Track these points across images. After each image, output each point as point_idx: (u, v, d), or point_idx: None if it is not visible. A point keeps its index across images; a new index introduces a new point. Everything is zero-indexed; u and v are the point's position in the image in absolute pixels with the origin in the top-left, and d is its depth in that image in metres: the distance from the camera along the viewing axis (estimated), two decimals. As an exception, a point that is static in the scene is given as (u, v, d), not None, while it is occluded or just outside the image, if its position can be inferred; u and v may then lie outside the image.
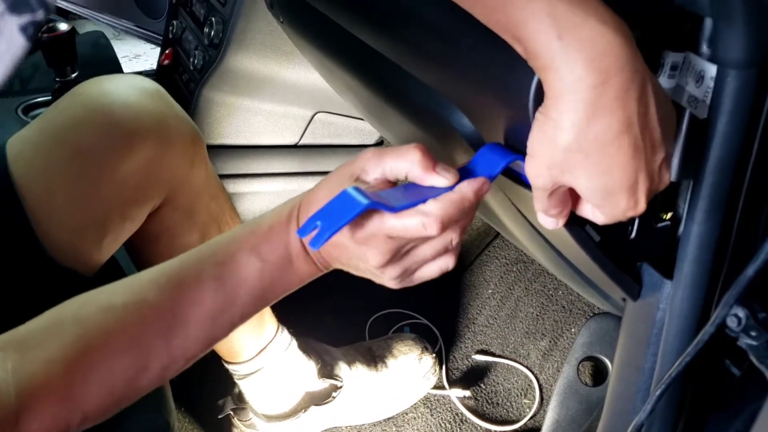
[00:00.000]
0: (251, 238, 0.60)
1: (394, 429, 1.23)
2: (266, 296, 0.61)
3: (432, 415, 1.24)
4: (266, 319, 1.09)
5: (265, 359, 1.09)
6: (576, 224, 0.55)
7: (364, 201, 0.51)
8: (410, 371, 1.21)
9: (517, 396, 1.26)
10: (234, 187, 1.39)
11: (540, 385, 1.27)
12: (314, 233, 0.52)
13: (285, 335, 1.12)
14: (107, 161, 0.85)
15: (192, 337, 0.59)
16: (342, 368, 1.17)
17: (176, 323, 0.59)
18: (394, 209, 0.52)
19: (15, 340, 0.58)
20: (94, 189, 0.85)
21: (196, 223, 0.99)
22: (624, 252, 0.59)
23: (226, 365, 1.12)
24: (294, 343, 1.13)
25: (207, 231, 1.00)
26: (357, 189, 0.53)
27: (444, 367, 1.30)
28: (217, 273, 0.59)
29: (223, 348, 1.10)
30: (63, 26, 1.19)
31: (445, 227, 0.52)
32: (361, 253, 0.56)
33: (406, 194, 0.54)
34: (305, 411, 1.14)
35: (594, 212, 0.52)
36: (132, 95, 0.89)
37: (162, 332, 0.58)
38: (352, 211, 0.52)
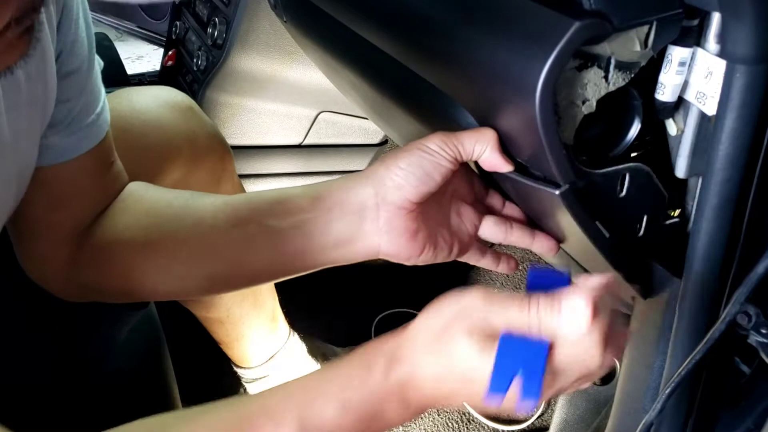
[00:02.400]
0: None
1: (400, 428, 1.23)
2: None
3: (439, 415, 1.23)
4: (279, 324, 1.09)
5: (273, 365, 1.09)
6: (587, 219, 0.55)
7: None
8: (417, 371, 1.21)
9: (525, 395, 1.26)
10: (238, 187, 1.39)
11: (547, 384, 1.26)
12: (514, 388, 0.44)
13: (295, 341, 1.11)
14: None
15: None
16: (348, 369, 1.17)
17: None
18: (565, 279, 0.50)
19: None
20: None
21: None
22: (632, 250, 0.58)
23: (235, 369, 1.12)
24: (303, 348, 1.12)
25: None
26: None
27: (450, 366, 1.30)
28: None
29: (233, 352, 1.10)
30: (66, 28, 1.18)
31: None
32: (583, 351, 0.48)
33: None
34: (312, 411, 1.14)
35: None
36: (164, 113, 0.86)
37: None
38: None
